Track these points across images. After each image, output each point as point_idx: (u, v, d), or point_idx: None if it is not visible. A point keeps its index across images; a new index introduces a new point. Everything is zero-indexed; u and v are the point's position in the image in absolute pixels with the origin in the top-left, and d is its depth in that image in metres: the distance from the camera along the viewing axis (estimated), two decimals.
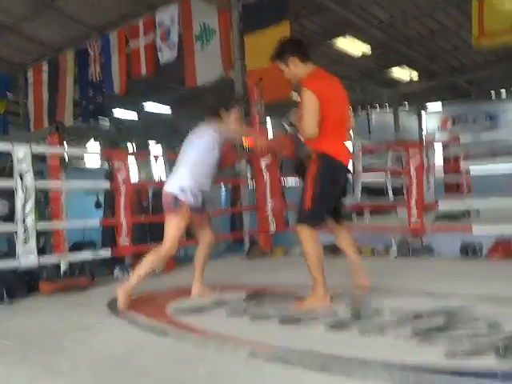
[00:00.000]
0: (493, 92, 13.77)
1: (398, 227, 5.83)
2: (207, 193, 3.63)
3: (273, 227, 6.10)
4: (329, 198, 3.18)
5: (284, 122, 3.33)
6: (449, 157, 9.28)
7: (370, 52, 10.88)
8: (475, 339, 2.20)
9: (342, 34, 10.04)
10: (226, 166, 3.90)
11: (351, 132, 3.56)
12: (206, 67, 7.72)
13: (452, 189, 9.78)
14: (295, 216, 3.26)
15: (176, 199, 3.42)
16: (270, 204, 6.12)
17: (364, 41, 10.29)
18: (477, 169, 9.19)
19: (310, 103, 3.05)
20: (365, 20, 9.16)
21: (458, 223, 5.64)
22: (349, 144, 3.39)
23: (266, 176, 6.15)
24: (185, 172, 3.50)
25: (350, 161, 3.39)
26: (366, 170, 8.19)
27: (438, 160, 9.12)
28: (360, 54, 10.87)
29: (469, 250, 4.79)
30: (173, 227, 3.44)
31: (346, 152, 3.30)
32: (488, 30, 5.34)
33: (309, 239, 3.08)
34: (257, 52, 7.12)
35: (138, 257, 6.48)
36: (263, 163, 6.14)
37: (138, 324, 3.00)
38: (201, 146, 3.53)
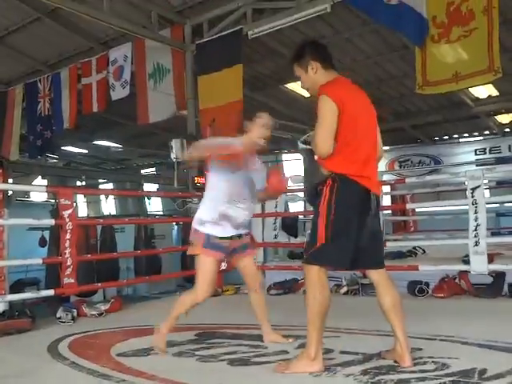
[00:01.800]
0: (437, 137, 14.41)
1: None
2: (243, 223, 3.18)
3: (224, 265, 6.03)
4: (349, 230, 2.44)
5: (299, 141, 2.81)
6: (396, 197, 9.63)
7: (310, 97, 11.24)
8: (423, 382, 2.22)
9: (294, 78, 10.32)
10: (272, 192, 3.28)
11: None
12: (159, 105, 7.77)
13: (400, 228, 10.06)
14: (304, 252, 2.70)
15: (196, 232, 3.12)
16: None
17: None
18: (422, 209, 9.56)
19: (325, 111, 2.47)
20: None
21: (405, 262, 5.76)
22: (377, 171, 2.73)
23: None
24: (202, 203, 3.22)
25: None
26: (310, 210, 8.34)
27: (386, 200, 9.45)
28: (309, 95, 11.20)
29: (416, 289, 4.89)
30: (199, 268, 3.08)
31: (374, 177, 2.61)
32: (431, 79, 5.63)
33: (316, 283, 2.45)
34: (210, 91, 7.25)
35: (83, 296, 6.33)
36: None
37: (80, 368, 2.86)
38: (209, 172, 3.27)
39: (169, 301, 5.89)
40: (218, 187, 3.11)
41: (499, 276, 4.67)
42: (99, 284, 6.50)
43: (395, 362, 2.51)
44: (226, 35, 7.15)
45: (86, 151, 16.11)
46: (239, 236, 3.16)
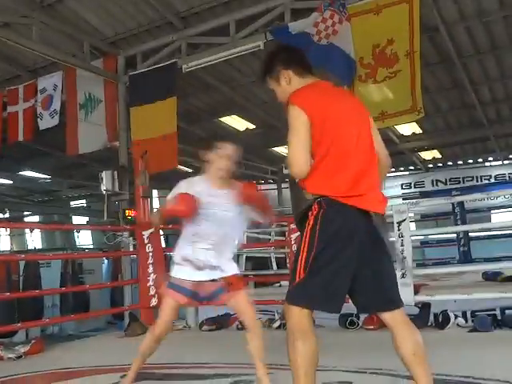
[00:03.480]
0: None
1: (281, 299, 5.89)
2: (210, 265, 2.82)
3: (155, 301, 5.86)
4: (336, 264, 1.99)
5: (283, 165, 2.54)
6: None
7: (255, 130, 11.41)
8: None
9: (228, 112, 10.45)
10: (246, 200, 2.79)
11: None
12: (90, 136, 7.58)
13: None
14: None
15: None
16: (152, 277, 5.90)
17: (249, 120, 10.79)
18: None
19: (294, 124, 2.09)
20: (249, 100, 9.66)
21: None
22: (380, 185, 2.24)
23: (149, 247, 5.97)
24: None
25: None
26: (251, 242, 8.35)
27: None
28: (244, 129, 11.33)
29: (347, 321, 4.94)
30: (162, 307, 2.90)
31: (373, 193, 2.13)
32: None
33: (294, 328, 2.00)
34: (143, 123, 7.17)
35: (2, 337, 5.89)
36: (146, 234, 5.97)
37: None
38: None
39: (97, 339, 5.66)
40: (185, 227, 2.88)
41: (425, 307, 4.83)
42: (19, 324, 6.09)
43: None
44: (161, 68, 7.14)
45: (10, 182, 15.37)
46: (212, 280, 2.83)
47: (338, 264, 1.99)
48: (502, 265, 6.17)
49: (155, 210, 2.83)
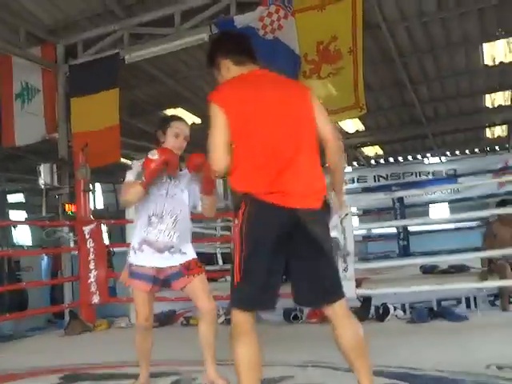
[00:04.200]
0: None
1: (225, 295, 5.87)
2: (169, 247, 2.74)
3: (96, 298, 5.70)
4: (260, 263, 1.97)
5: None
6: None
7: (201, 125, 11.30)
8: None
9: (173, 106, 10.29)
10: (193, 169, 2.69)
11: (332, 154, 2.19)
12: (27, 127, 7.26)
13: None
14: None
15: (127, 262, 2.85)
16: (93, 273, 5.73)
17: (194, 113, 10.67)
18: None
19: (213, 121, 2.09)
20: (195, 93, 9.55)
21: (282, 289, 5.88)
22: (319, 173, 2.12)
23: (90, 243, 5.79)
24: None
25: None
26: (196, 237, 8.27)
27: None
28: (190, 123, 11.22)
29: (291, 315, 5.00)
30: (134, 298, 2.84)
31: (299, 188, 2.02)
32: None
33: (234, 331, 2.01)
34: (83, 115, 6.94)
35: None
36: (87, 229, 5.80)
37: None
38: None
39: (36, 339, 5.44)
40: (138, 209, 2.79)
41: (366, 300, 4.96)
42: None
43: None
44: (102, 58, 6.92)
45: None
46: (171, 266, 2.76)
47: (266, 263, 1.97)
48: (438, 258, 6.43)
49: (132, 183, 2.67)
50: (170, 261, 2.74)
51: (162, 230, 2.72)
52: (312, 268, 2.04)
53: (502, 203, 5.46)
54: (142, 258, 2.72)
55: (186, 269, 2.77)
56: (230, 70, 2.23)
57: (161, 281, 2.77)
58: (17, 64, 7.26)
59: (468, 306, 5.01)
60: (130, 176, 2.72)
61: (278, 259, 2.00)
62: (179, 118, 2.91)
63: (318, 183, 2.09)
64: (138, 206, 2.79)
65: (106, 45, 7.02)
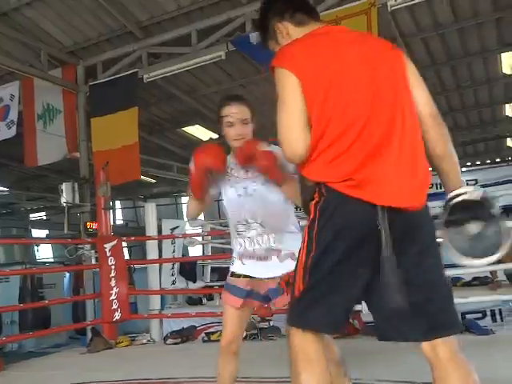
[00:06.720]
0: None
1: None
2: (267, 255, 2.25)
3: (118, 315, 5.73)
4: (337, 274, 1.51)
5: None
6: None
7: (218, 140, 11.40)
8: None
9: (191, 122, 10.41)
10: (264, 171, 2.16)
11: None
12: (49, 147, 7.41)
13: None
14: None
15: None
16: (114, 290, 5.78)
17: (211, 129, 10.77)
18: None
19: (282, 91, 1.59)
20: (212, 110, 9.65)
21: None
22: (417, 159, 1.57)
23: (112, 260, 5.85)
24: None
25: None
26: (215, 252, 8.29)
27: None
28: (208, 139, 11.31)
29: None
30: (223, 315, 2.33)
31: (396, 177, 1.51)
32: None
33: (297, 355, 1.56)
34: (104, 134, 7.06)
35: None
36: (108, 246, 5.85)
37: None
38: None
39: (58, 356, 5.49)
40: (228, 217, 2.35)
41: None
42: None
43: None
44: (121, 77, 7.05)
45: None
46: (269, 278, 2.25)
47: (341, 274, 1.51)
48: (462, 270, 6.32)
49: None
50: (271, 271, 2.24)
51: (253, 238, 2.25)
52: (411, 288, 1.47)
53: None
54: (238, 266, 2.30)
55: (286, 284, 2.21)
56: (289, 34, 1.76)
57: (260, 296, 2.31)
58: (38, 86, 7.44)
59: (494, 320, 4.92)
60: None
61: (355, 271, 1.52)
62: (229, 100, 2.28)
63: (421, 172, 1.56)
64: (226, 212, 2.35)
65: (125, 64, 7.16)
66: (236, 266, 2.30)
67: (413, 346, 1.59)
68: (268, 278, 2.24)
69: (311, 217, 1.56)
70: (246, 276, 2.27)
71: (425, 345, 1.52)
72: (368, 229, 1.48)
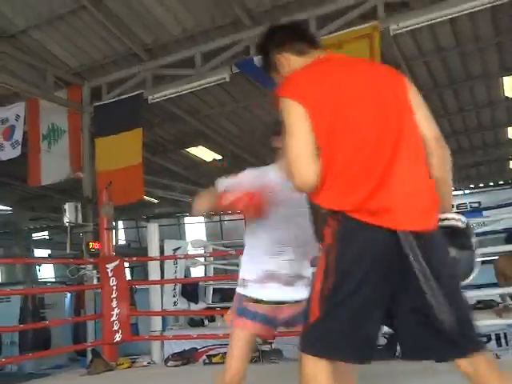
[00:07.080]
0: None
1: None
2: (296, 281, 2.21)
3: (119, 337, 5.68)
4: (357, 300, 1.50)
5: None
6: None
7: (221, 160, 11.43)
8: None
9: (195, 143, 10.46)
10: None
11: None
12: (53, 167, 7.45)
13: None
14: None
15: (238, 297, 2.28)
16: (116, 311, 5.73)
17: (216, 151, 10.81)
18: None
19: (291, 123, 1.59)
20: (215, 131, 9.70)
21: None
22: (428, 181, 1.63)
23: (113, 281, 5.81)
24: (242, 258, 2.37)
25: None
26: (218, 273, 8.25)
27: None
28: (211, 160, 11.35)
29: None
30: (230, 343, 2.24)
31: (407, 201, 1.54)
32: None
33: (310, 382, 1.55)
34: (108, 154, 7.10)
35: None
36: (110, 267, 5.83)
37: None
38: None
39: (58, 378, 5.42)
40: (255, 234, 2.27)
41: (392, 337, 4.83)
42: None
43: None
44: (126, 99, 7.12)
45: None
46: (294, 301, 2.19)
47: (361, 300, 1.50)
48: (465, 293, 6.25)
49: (210, 193, 2.26)
50: (297, 294, 2.18)
51: (289, 260, 2.20)
52: (424, 309, 1.51)
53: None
54: (257, 290, 2.21)
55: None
56: (291, 64, 1.77)
57: (277, 323, 2.27)
58: (44, 106, 7.52)
59: (499, 344, 4.85)
60: (228, 181, 2.26)
61: (375, 296, 1.52)
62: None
63: (429, 193, 1.59)
64: (255, 229, 2.26)
65: (130, 86, 7.24)
66: (254, 290, 2.22)
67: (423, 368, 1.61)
68: (294, 302, 2.19)
69: (328, 243, 1.56)
70: (267, 302, 2.20)
71: (463, 361, 1.56)
72: (390, 255, 1.50)
